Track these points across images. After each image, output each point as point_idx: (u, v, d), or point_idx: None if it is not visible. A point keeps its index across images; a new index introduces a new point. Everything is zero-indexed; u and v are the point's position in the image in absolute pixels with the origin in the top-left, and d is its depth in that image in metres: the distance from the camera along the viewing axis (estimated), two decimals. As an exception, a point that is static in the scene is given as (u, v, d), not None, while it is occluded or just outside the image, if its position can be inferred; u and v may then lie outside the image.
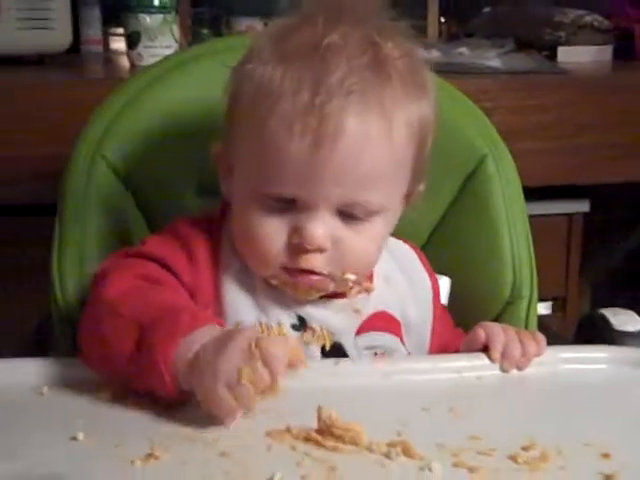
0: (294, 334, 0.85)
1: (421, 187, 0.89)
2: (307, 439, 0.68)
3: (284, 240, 0.81)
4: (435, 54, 1.71)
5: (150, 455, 0.65)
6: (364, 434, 0.68)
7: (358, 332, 0.88)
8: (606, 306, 1.02)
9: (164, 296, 0.79)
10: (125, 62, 1.61)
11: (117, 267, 0.83)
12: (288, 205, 0.81)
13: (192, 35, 1.89)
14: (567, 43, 1.85)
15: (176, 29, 1.59)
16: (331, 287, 0.85)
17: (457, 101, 1.07)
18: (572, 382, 0.82)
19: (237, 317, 0.84)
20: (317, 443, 0.68)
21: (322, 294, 0.86)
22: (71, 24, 1.64)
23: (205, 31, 2.02)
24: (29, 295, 1.44)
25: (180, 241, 0.86)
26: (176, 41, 1.59)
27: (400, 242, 0.97)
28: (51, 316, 0.97)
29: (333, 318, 0.87)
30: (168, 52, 1.55)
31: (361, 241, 0.82)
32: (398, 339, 0.91)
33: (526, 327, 1.00)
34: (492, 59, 1.64)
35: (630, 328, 0.94)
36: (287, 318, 0.86)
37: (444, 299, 0.98)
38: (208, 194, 0.97)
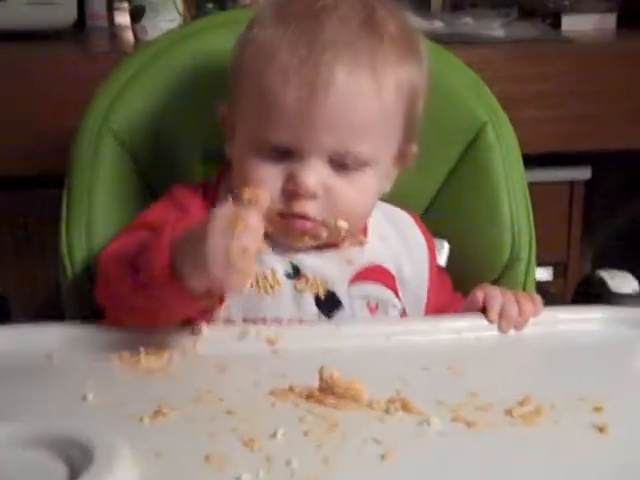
0: (288, 282, 0.89)
1: (414, 148, 0.93)
2: (309, 397, 0.71)
3: (279, 187, 0.85)
4: (439, 24, 1.72)
5: (158, 412, 0.67)
6: (364, 392, 0.70)
7: (351, 282, 0.91)
8: (609, 270, 1.03)
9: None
10: (130, 36, 1.62)
11: (112, 241, 0.88)
12: (284, 155, 0.85)
13: (196, 8, 1.89)
14: (571, 11, 1.84)
15: (180, 3, 1.60)
16: (324, 234, 0.87)
17: (458, 70, 1.08)
18: (568, 342, 0.85)
19: None
20: (319, 401, 0.70)
21: (316, 243, 0.88)
22: (76, -1, 1.65)
23: (210, 4, 2.02)
24: (41, 265, 1.47)
25: (175, 203, 0.90)
26: (180, 14, 1.60)
27: (396, 208, 1.00)
28: (60, 285, 0.99)
29: (326, 267, 0.90)
30: (172, 26, 1.56)
31: (352, 190, 0.86)
32: (392, 292, 0.94)
33: (524, 290, 1.01)
34: (495, 29, 1.65)
35: (626, 289, 0.96)
36: (281, 266, 0.89)
37: (443, 262, 1.00)
38: (213, 164, 0.99)
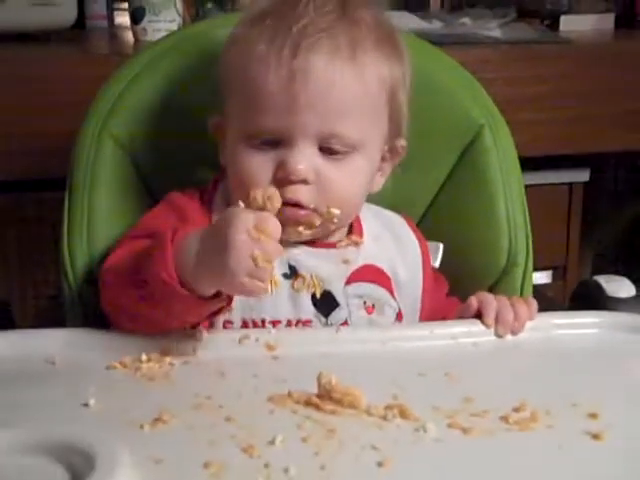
0: (285, 282, 0.90)
1: (402, 142, 0.95)
2: (308, 403, 0.71)
3: (270, 176, 0.87)
4: (437, 24, 1.72)
5: (158, 420, 0.68)
6: (362, 398, 0.71)
7: (347, 282, 0.93)
8: (606, 274, 1.04)
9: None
10: (130, 37, 1.63)
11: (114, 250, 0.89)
12: (272, 145, 0.87)
13: (196, 9, 1.89)
14: (569, 11, 1.85)
15: (179, 3, 1.60)
16: (317, 222, 0.88)
17: (455, 72, 1.09)
18: (565, 347, 0.85)
19: None
20: (317, 407, 0.71)
21: (311, 233, 0.89)
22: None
23: (209, 5, 2.02)
24: (42, 269, 1.48)
25: (173, 209, 0.92)
26: (180, 15, 1.60)
27: (389, 211, 1.02)
28: (61, 289, 1.00)
29: (323, 266, 0.92)
30: (172, 26, 1.57)
31: (342, 176, 0.88)
32: (388, 292, 0.95)
33: (521, 294, 1.02)
34: (493, 29, 1.65)
35: (622, 294, 0.97)
36: (278, 267, 0.90)
37: (437, 264, 1.01)
38: (212, 168, 1.00)
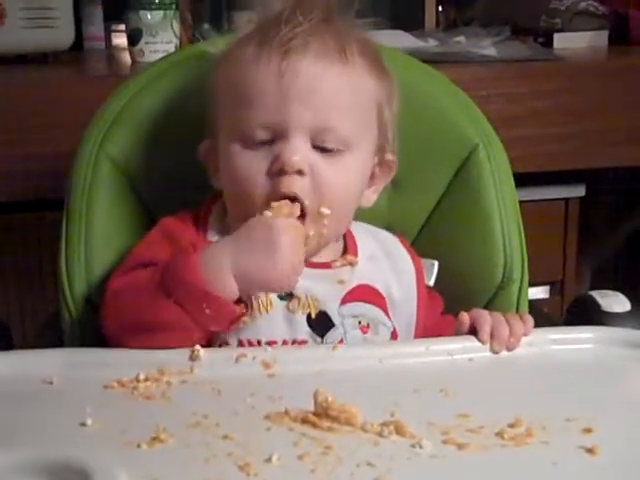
0: (280, 303, 0.91)
1: (390, 157, 0.97)
2: (304, 421, 0.72)
3: (265, 169, 0.89)
4: (432, 43, 1.73)
5: (155, 439, 0.68)
6: (359, 415, 0.71)
7: (342, 302, 0.93)
8: (604, 289, 1.05)
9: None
10: (127, 58, 1.64)
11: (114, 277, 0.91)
12: (267, 143, 0.89)
13: (193, 30, 1.91)
14: (563, 29, 1.86)
15: (176, 25, 1.62)
16: (311, 231, 0.89)
17: (449, 91, 1.10)
18: (560, 362, 0.86)
19: None
20: (314, 424, 0.71)
21: (304, 253, 0.89)
22: (73, 21, 1.67)
23: (206, 26, 2.04)
24: (40, 290, 1.48)
25: (167, 237, 0.92)
26: (176, 37, 1.62)
27: (383, 231, 1.03)
28: (60, 310, 1.01)
29: (318, 287, 0.92)
30: (169, 47, 1.58)
31: (334, 172, 0.90)
32: (382, 312, 0.96)
33: (517, 311, 1.03)
34: (487, 47, 1.66)
35: (617, 309, 0.98)
36: None
37: (432, 282, 1.01)
38: (210, 188, 1.01)
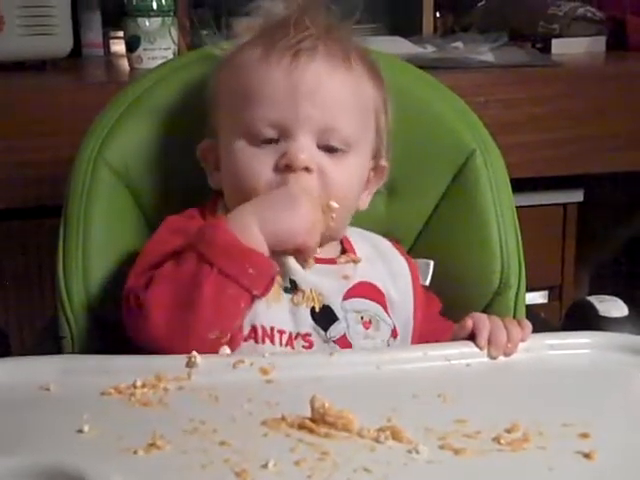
0: (285, 296, 0.92)
1: (384, 163, 1.00)
2: (301, 427, 0.72)
3: (272, 166, 0.90)
4: (430, 49, 1.74)
5: (152, 445, 0.68)
6: (355, 421, 0.71)
7: (345, 297, 0.95)
8: (603, 294, 1.05)
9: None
10: (125, 65, 1.65)
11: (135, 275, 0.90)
12: (272, 142, 0.91)
13: (192, 36, 1.91)
14: (561, 35, 1.87)
15: (175, 31, 1.62)
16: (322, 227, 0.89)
17: (446, 97, 1.11)
18: (558, 367, 0.86)
19: None
20: (311, 430, 0.71)
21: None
22: (72, 28, 1.67)
23: (205, 32, 2.04)
24: (40, 297, 1.48)
25: (177, 232, 0.92)
26: (175, 43, 1.62)
27: (376, 235, 1.04)
28: (58, 317, 1.00)
29: (323, 281, 0.94)
30: (167, 54, 1.59)
31: (340, 170, 0.92)
32: (383, 309, 0.97)
33: (514, 316, 1.03)
34: (485, 53, 1.67)
35: (615, 314, 0.98)
36: (279, 282, 0.91)
37: (427, 281, 1.02)
38: (208, 194, 1.01)
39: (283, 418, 0.73)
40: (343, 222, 0.97)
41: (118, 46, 1.91)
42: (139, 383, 0.79)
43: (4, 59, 1.59)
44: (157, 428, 0.71)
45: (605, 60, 1.83)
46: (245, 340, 0.89)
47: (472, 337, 0.88)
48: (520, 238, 1.05)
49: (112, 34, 1.96)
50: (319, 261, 0.94)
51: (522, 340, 0.87)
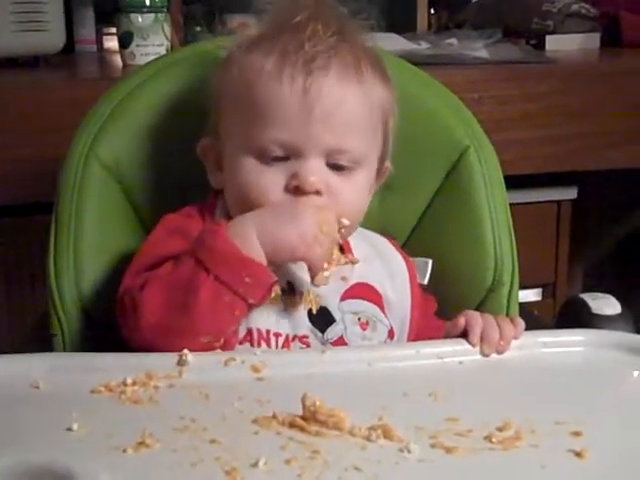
0: (282, 298, 0.91)
1: (387, 164, 0.99)
2: (292, 425, 0.71)
3: (282, 185, 0.89)
4: (424, 45, 1.74)
5: (141, 444, 0.68)
6: (347, 419, 0.71)
7: (342, 298, 0.94)
8: (596, 291, 1.05)
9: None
10: (118, 61, 1.64)
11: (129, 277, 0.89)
12: (282, 160, 0.89)
13: (185, 32, 1.90)
14: (555, 31, 1.87)
15: (167, 27, 1.62)
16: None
17: (439, 93, 1.10)
18: (550, 365, 0.85)
19: None
20: (302, 428, 0.71)
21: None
22: (65, 24, 1.67)
23: (198, 28, 2.04)
24: (31, 294, 1.47)
25: (175, 232, 0.91)
26: (168, 39, 1.62)
27: (374, 233, 1.03)
28: (48, 315, 1.00)
29: None
30: (160, 50, 1.58)
31: (349, 188, 0.91)
32: (380, 310, 0.96)
33: (507, 313, 1.02)
34: (479, 50, 1.66)
35: (608, 311, 0.98)
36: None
37: (425, 280, 1.01)
38: (201, 190, 1.00)
39: (274, 416, 0.73)
40: (350, 233, 0.96)
41: (111, 42, 1.90)
42: (129, 381, 0.78)
43: (-4, 55, 1.58)
44: (147, 426, 0.70)
45: (599, 57, 1.83)
46: (240, 343, 0.89)
47: (465, 335, 0.88)
48: (513, 235, 1.05)
49: (105, 30, 1.96)
50: None
51: (515, 338, 0.87)
